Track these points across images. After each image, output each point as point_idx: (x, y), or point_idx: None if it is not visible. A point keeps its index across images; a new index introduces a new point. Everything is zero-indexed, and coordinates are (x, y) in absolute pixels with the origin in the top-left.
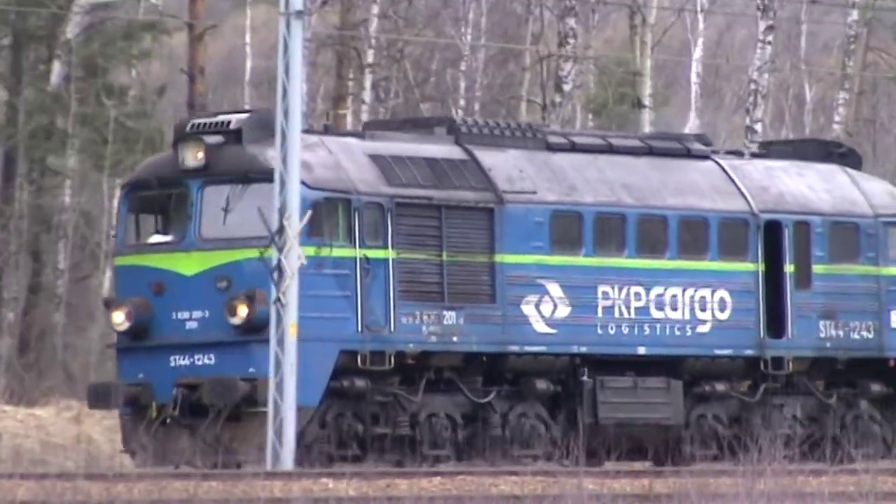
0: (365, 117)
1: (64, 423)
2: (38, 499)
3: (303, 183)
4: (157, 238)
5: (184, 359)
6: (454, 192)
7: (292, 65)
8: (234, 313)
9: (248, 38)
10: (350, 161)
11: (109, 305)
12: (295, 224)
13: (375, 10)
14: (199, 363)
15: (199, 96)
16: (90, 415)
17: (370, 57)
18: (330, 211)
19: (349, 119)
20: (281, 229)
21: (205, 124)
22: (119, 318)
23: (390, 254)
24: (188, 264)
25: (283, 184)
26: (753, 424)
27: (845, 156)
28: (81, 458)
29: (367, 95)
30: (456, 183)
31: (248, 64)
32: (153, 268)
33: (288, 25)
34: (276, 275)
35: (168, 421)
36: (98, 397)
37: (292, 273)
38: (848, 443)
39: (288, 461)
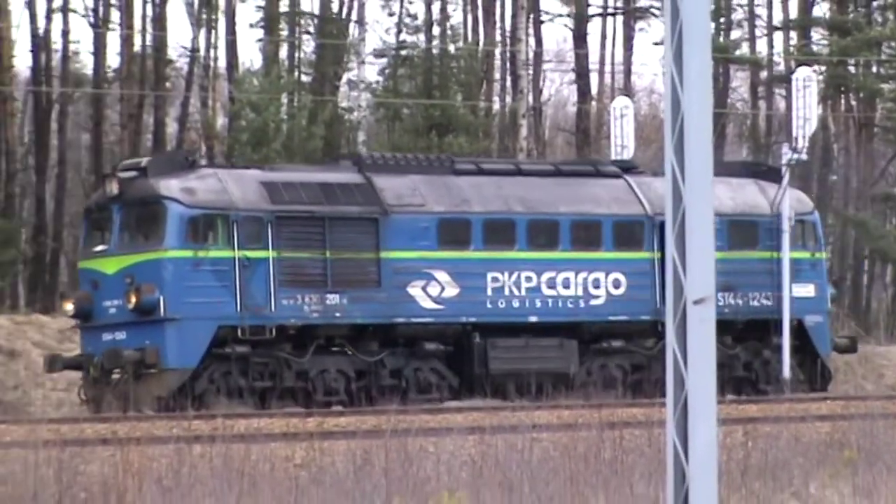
0: None
1: None
2: None
3: (181, 203)
4: (98, 247)
5: (110, 335)
6: (338, 207)
7: None
8: (129, 301)
9: None
10: (237, 186)
11: (63, 297)
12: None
13: None
14: (117, 338)
15: None
16: None
17: None
18: (207, 223)
19: None
20: None
21: (126, 165)
22: (69, 307)
23: (270, 253)
24: (110, 266)
25: None
26: (654, 370)
27: (764, 173)
28: None
29: None
30: (343, 200)
31: None
32: (93, 269)
33: None
34: None
35: (98, 379)
36: (50, 364)
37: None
38: (756, 380)
39: None
